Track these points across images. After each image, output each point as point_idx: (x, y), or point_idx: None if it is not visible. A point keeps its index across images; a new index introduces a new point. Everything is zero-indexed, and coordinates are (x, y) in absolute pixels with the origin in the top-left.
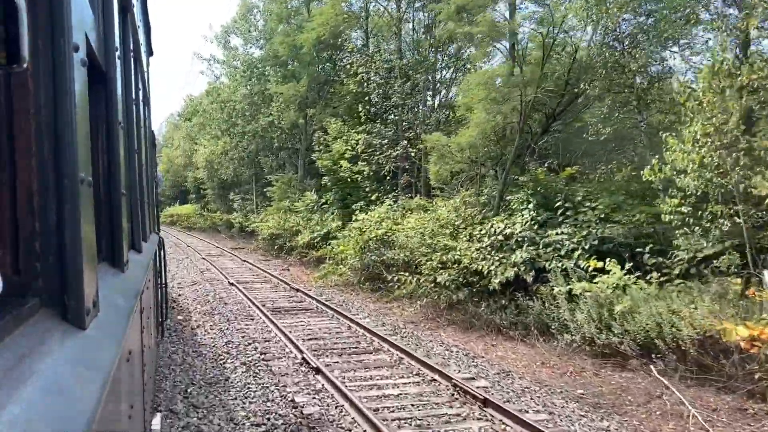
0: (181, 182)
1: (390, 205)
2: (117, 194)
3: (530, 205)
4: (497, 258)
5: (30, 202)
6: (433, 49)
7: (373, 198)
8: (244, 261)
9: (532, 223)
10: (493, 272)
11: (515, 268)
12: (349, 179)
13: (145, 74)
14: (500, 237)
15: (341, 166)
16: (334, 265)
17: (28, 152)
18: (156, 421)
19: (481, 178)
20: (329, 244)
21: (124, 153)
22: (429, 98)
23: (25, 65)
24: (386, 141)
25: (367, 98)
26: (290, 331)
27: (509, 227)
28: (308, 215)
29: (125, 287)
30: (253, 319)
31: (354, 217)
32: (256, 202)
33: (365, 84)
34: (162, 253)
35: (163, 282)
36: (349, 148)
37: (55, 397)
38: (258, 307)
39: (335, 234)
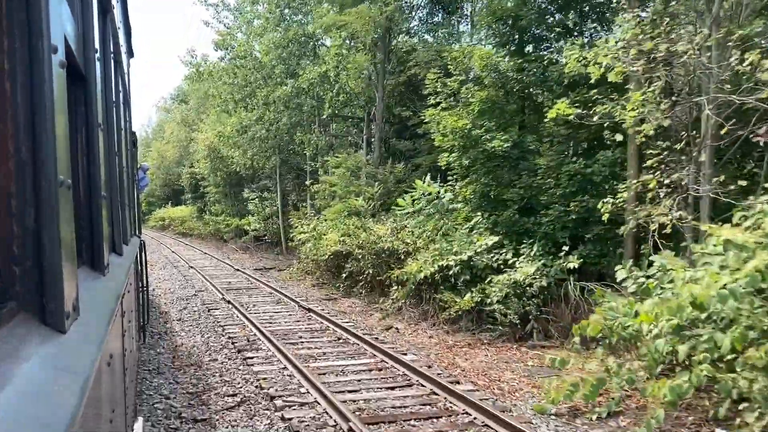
0: (174, 180)
1: None
2: (97, 197)
3: None
4: None
5: (8, 205)
6: None
7: (651, 185)
8: (309, 311)
9: None
10: None
11: None
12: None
13: (126, 76)
14: None
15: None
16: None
17: (6, 155)
18: (138, 426)
19: None
20: (488, 280)
21: (104, 155)
22: None
23: None
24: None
25: None
26: None
27: None
28: (423, 223)
29: (106, 290)
30: None
31: (716, 233)
32: (289, 202)
33: None
34: (143, 256)
35: (145, 285)
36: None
37: (34, 401)
38: None
39: (489, 261)
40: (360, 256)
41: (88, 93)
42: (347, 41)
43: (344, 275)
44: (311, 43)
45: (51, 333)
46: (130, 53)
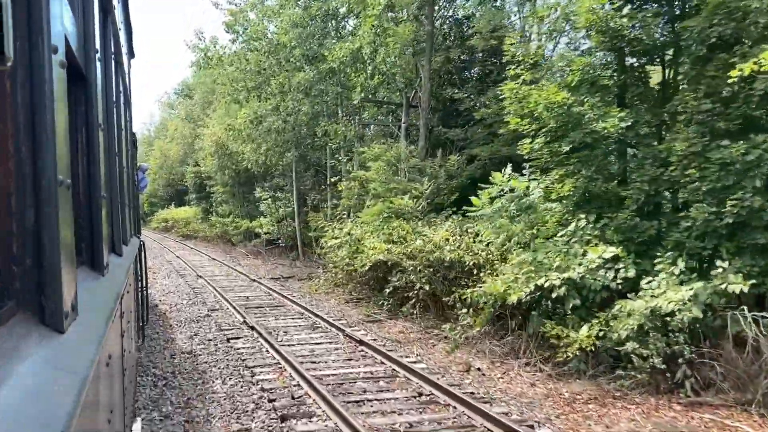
0: (177, 180)
1: None
2: (97, 197)
3: None
4: None
5: (8, 205)
6: None
7: None
8: (359, 344)
9: None
10: None
11: None
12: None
13: (127, 76)
14: None
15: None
16: None
17: (6, 154)
18: (136, 427)
19: None
20: (617, 306)
21: (104, 155)
22: None
23: (9, 64)
24: None
25: None
26: None
27: None
28: (507, 228)
29: (105, 290)
30: None
31: None
32: (307, 202)
33: None
34: (143, 256)
35: (144, 285)
36: None
37: (33, 401)
38: None
39: (605, 279)
40: (410, 268)
41: (88, 93)
42: (384, 12)
43: (388, 291)
44: (333, 23)
45: (50, 333)
46: (131, 54)
